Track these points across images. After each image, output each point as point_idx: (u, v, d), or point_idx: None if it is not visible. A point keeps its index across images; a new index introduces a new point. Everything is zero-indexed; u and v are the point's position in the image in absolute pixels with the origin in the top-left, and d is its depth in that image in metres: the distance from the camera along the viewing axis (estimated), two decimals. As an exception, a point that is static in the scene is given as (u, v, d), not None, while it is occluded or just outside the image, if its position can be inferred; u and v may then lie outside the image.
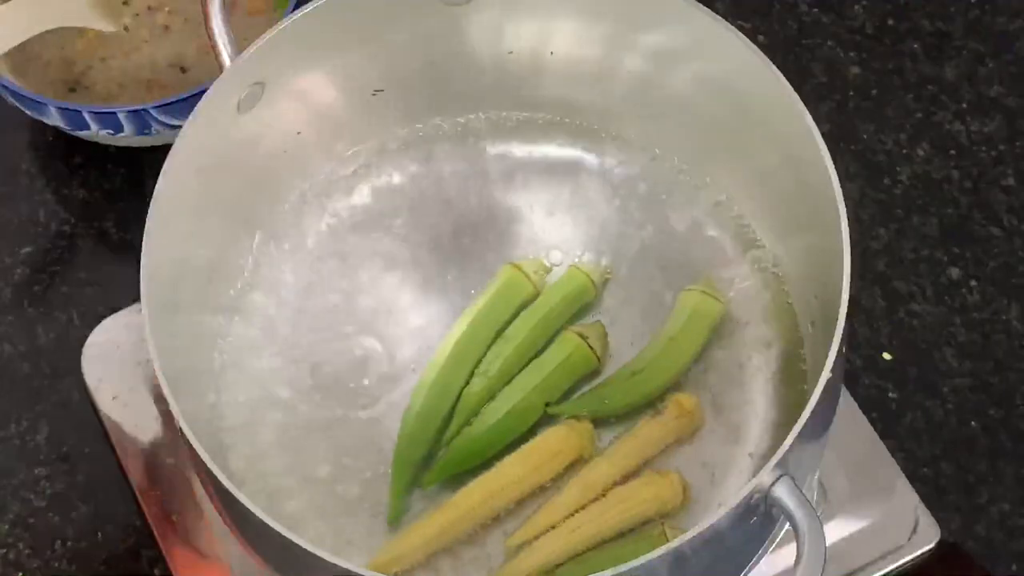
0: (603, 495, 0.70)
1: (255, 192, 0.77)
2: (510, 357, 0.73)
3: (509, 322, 0.74)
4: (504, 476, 0.70)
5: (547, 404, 0.72)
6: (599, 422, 0.72)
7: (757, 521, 0.62)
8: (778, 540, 0.67)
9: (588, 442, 0.71)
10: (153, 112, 0.82)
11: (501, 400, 0.72)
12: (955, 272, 0.84)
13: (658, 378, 0.72)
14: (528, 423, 0.72)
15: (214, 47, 0.71)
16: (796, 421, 0.60)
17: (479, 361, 0.73)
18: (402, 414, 0.72)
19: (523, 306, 0.74)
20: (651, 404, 0.72)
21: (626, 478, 0.70)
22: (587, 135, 0.80)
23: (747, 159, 0.74)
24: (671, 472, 0.70)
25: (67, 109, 0.82)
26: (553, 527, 0.69)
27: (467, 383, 0.73)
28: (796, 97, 0.67)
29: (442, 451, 0.72)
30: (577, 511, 0.70)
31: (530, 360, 0.73)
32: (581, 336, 0.73)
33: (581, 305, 0.75)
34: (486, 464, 0.71)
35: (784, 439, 0.60)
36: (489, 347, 0.73)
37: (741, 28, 0.69)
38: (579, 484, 0.70)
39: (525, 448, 0.71)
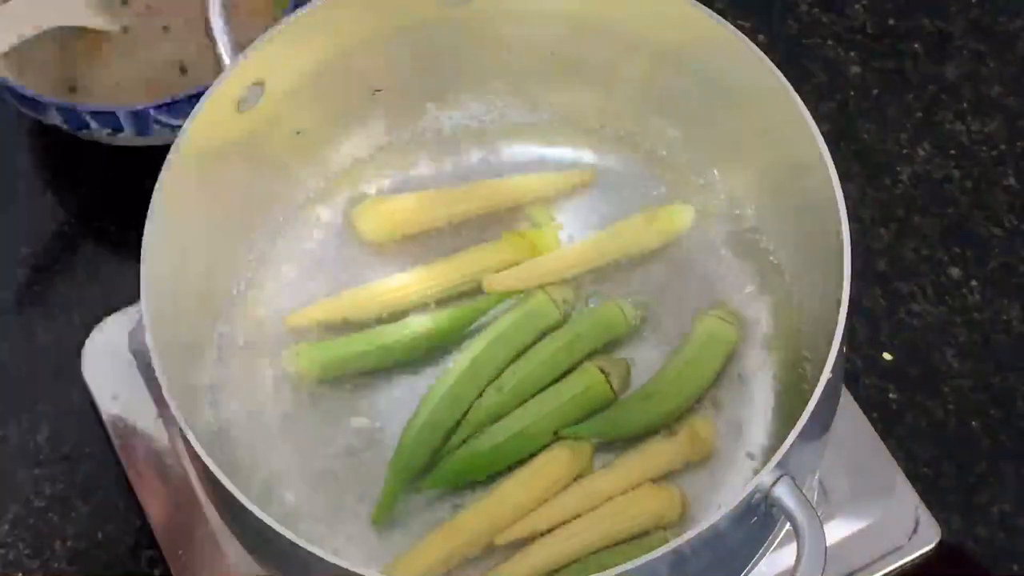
0: (601, 505, 0.70)
1: (255, 191, 0.77)
2: (528, 377, 0.73)
3: (529, 345, 0.73)
4: (507, 502, 0.70)
5: (555, 432, 0.72)
6: (611, 444, 0.72)
7: (757, 521, 0.62)
8: (778, 540, 0.67)
9: (588, 463, 0.71)
10: (153, 112, 0.82)
11: (512, 420, 0.72)
12: (955, 272, 0.84)
13: (672, 401, 0.72)
14: (535, 447, 0.71)
15: (214, 47, 0.71)
16: (796, 421, 0.60)
17: (493, 378, 0.73)
18: (407, 420, 0.72)
19: (545, 332, 0.74)
20: (664, 427, 0.72)
21: (627, 492, 0.70)
22: (587, 135, 0.80)
23: (747, 159, 0.74)
24: (671, 487, 0.70)
25: (67, 109, 0.82)
26: (546, 530, 0.69)
27: (479, 396, 0.72)
28: (796, 97, 0.67)
29: (445, 458, 0.72)
30: (573, 518, 0.69)
31: (548, 384, 0.73)
32: (603, 371, 0.72)
33: (610, 339, 0.74)
34: (484, 480, 0.71)
35: (784, 439, 0.60)
36: (506, 367, 0.73)
37: (741, 28, 0.69)
38: (579, 492, 0.70)
39: (527, 471, 0.71)
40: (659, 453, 0.71)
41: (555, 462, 0.71)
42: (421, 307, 0.75)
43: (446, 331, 0.74)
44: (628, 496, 0.70)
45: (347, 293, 0.76)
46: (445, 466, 0.71)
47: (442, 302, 0.75)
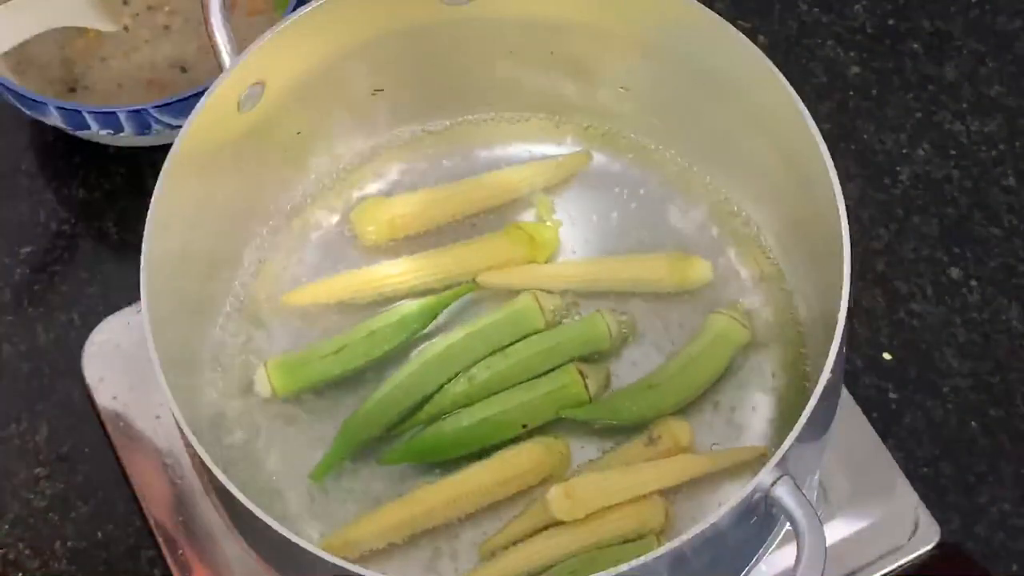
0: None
1: (255, 191, 0.77)
2: (501, 372, 0.73)
3: (508, 345, 0.73)
4: (471, 483, 0.70)
5: (524, 426, 0.71)
6: (592, 433, 0.72)
7: (757, 521, 0.62)
8: (778, 540, 0.67)
9: (561, 464, 0.71)
10: (153, 112, 0.82)
11: (481, 407, 0.72)
12: (955, 272, 0.84)
13: (674, 395, 0.72)
14: (501, 436, 0.71)
15: (214, 47, 0.71)
16: (796, 421, 0.60)
17: (464, 369, 0.73)
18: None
19: (526, 336, 0.74)
20: (651, 424, 0.72)
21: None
22: (587, 135, 0.80)
23: (748, 159, 0.74)
24: (653, 497, 0.70)
25: (67, 109, 0.82)
26: (526, 536, 0.69)
27: (448, 383, 0.72)
28: (796, 97, 0.67)
29: (409, 434, 0.72)
30: (551, 524, 0.69)
31: (520, 383, 0.73)
32: (582, 374, 0.72)
33: (592, 351, 0.74)
34: (448, 464, 0.71)
35: (784, 439, 0.60)
36: (479, 360, 0.73)
37: (741, 28, 0.69)
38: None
39: (498, 458, 0.71)
40: (644, 470, 0.70)
41: (526, 455, 0.71)
42: (417, 295, 0.75)
43: (419, 315, 0.74)
44: (607, 508, 0.70)
45: (345, 276, 0.76)
46: (408, 443, 0.72)
47: (436, 293, 0.75)
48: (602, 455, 0.72)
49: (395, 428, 0.72)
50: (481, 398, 0.72)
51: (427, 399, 0.72)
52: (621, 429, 0.72)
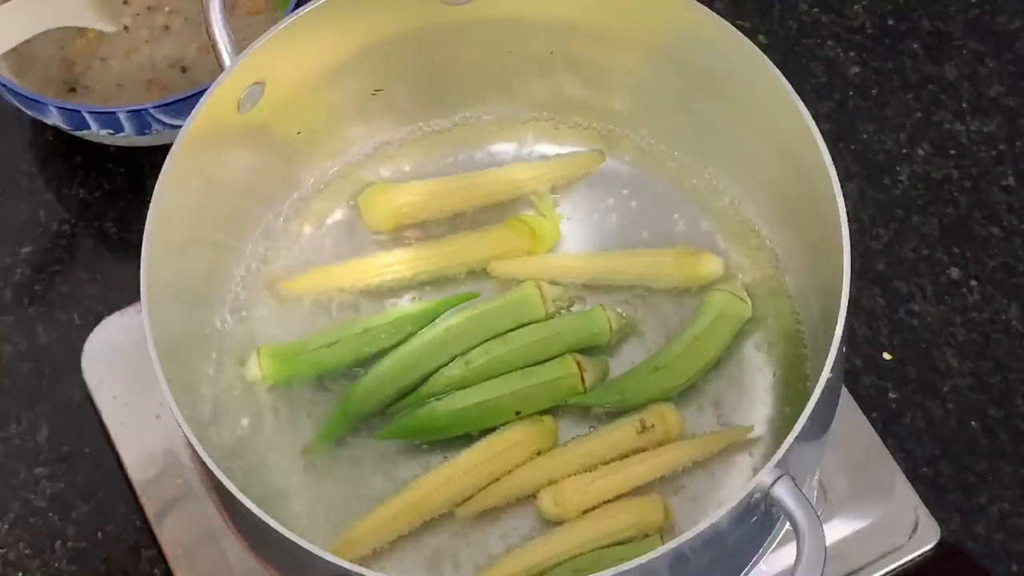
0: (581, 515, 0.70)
1: (255, 191, 0.77)
2: (497, 359, 0.73)
3: (507, 332, 0.74)
4: (462, 462, 0.70)
5: (517, 413, 0.72)
6: (588, 415, 0.72)
7: (757, 521, 0.62)
8: (778, 540, 0.67)
9: (548, 437, 0.71)
10: (153, 112, 0.82)
11: (477, 391, 0.72)
12: (955, 272, 0.84)
13: (679, 375, 0.72)
14: (494, 421, 0.72)
15: (214, 47, 0.71)
16: (796, 421, 0.60)
17: (462, 352, 0.73)
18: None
19: (527, 324, 0.74)
20: (669, 399, 0.72)
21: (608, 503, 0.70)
22: (587, 135, 0.80)
23: (747, 159, 0.74)
24: (653, 495, 0.70)
25: (67, 109, 0.82)
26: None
27: (445, 365, 0.73)
28: (796, 97, 0.67)
29: (403, 413, 0.72)
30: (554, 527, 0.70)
31: (517, 369, 0.73)
32: (579, 366, 0.72)
33: (591, 344, 0.74)
34: (439, 447, 0.72)
35: (784, 439, 0.60)
36: (477, 345, 0.73)
37: (741, 28, 0.69)
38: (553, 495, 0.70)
39: (485, 440, 0.71)
40: (632, 465, 0.70)
41: (511, 430, 0.71)
42: (416, 286, 0.75)
43: (416, 317, 0.74)
44: (611, 507, 0.70)
45: (345, 264, 0.76)
46: (402, 422, 0.72)
47: (436, 283, 0.75)
48: (591, 430, 0.72)
49: (391, 406, 0.72)
50: (476, 382, 0.72)
51: (424, 379, 0.72)
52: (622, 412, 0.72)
